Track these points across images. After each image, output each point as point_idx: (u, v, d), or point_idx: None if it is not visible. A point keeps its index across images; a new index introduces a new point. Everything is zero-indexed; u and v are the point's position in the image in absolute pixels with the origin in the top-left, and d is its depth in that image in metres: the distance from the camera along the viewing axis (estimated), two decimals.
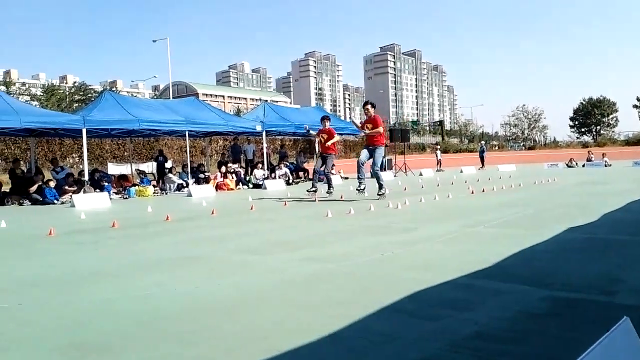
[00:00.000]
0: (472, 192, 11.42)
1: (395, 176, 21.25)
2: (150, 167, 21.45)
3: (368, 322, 2.80)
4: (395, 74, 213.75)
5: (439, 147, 32.33)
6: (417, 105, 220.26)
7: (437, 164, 27.96)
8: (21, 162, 17.00)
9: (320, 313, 3.03)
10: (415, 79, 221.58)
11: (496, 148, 72.55)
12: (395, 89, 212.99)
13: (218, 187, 16.46)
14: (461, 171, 22.80)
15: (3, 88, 50.76)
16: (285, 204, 10.23)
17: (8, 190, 14.43)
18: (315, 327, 2.74)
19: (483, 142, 35.44)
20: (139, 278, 4.14)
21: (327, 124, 12.19)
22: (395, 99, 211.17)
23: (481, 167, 27.75)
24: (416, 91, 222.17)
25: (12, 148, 32.41)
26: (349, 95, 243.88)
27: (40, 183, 13.68)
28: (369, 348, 2.44)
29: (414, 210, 8.41)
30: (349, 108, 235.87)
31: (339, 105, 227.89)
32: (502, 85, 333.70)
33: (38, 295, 3.68)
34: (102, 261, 4.98)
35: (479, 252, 4.62)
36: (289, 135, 30.12)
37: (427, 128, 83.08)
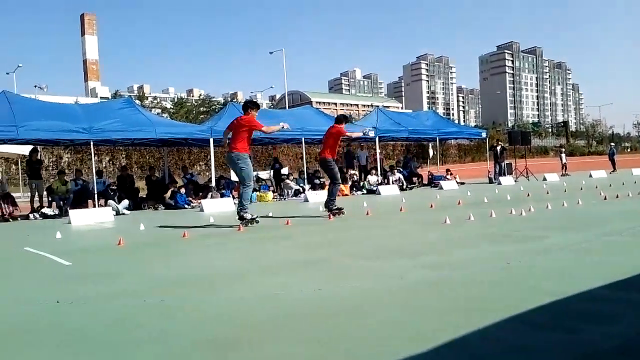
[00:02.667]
0: (605, 198, 10.56)
1: (516, 181, 20.22)
2: (268, 174, 22.45)
3: (492, 331, 2.74)
4: (513, 74, 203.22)
5: (563, 149, 30.20)
6: (537, 105, 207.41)
7: (562, 167, 26.12)
8: (156, 169, 18.64)
9: (442, 319, 3.01)
10: (536, 77, 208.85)
11: (628, 150, 66.20)
12: (514, 89, 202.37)
13: None
14: (590, 175, 21.12)
15: (138, 102, 56.03)
16: (401, 210, 10.18)
17: (145, 196, 15.88)
18: (437, 333, 2.73)
19: (613, 144, 32.56)
20: (266, 279, 4.38)
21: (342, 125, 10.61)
22: (514, 100, 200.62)
23: (613, 171, 25.49)
24: (537, 91, 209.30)
25: (147, 157, 35.63)
26: (463, 97, 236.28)
27: (173, 189, 14.87)
28: (493, 356, 2.39)
29: (540, 218, 7.97)
30: (464, 111, 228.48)
31: (453, 109, 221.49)
32: (634, 82, 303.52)
33: (178, 293, 4.03)
34: (232, 262, 5.33)
35: (616, 262, 4.29)
36: (401, 141, 29.89)
37: (550, 130, 78.01)
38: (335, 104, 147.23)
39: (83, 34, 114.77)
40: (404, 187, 18.80)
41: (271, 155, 32.27)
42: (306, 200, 14.85)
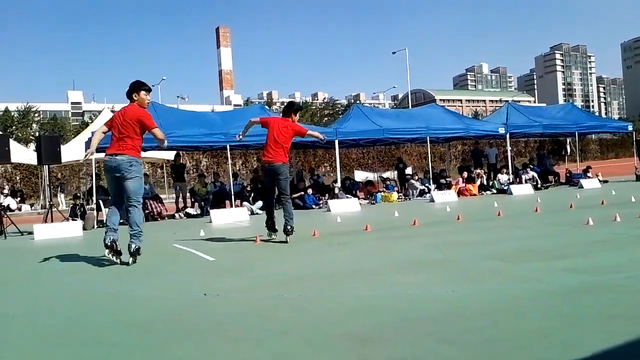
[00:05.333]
0: None
1: None
2: (392, 174, 22.41)
3: None
4: None
5: None
6: None
7: None
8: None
9: (591, 327, 2.82)
10: None
11: None
12: None
13: (460, 192, 16.32)
14: None
15: (266, 107, 59.02)
16: (536, 210, 9.62)
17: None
18: (588, 342, 2.56)
19: None
20: (395, 278, 4.41)
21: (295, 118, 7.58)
22: None
23: None
24: None
25: None
26: (604, 88, 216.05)
27: (301, 190, 15.45)
28: None
29: None
30: (605, 103, 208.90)
31: (593, 101, 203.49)
32: None
33: (312, 288, 4.20)
34: (361, 260, 5.43)
35: None
36: (535, 137, 28.09)
37: None
38: (461, 100, 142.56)
39: (218, 46, 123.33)
40: (539, 186, 17.67)
41: (395, 155, 32.16)
42: (432, 200, 14.60)
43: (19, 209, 21.98)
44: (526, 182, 17.56)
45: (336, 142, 15.57)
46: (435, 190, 16.29)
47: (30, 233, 10.25)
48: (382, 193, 16.21)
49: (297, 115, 7.66)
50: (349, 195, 15.44)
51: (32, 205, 24.71)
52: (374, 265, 5.05)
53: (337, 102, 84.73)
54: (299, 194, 15.28)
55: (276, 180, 7.30)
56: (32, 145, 37.17)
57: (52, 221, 10.94)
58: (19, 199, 23.66)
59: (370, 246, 6.52)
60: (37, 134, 48.05)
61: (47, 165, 12.76)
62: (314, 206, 14.75)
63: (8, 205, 18.42)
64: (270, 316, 3.40)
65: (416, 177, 17.96)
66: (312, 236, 7.63)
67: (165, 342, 2.98)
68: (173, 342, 2.97)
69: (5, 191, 23.91)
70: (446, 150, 25.89)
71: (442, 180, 17.78)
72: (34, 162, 14.62)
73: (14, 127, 53.23)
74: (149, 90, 6.12)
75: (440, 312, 3.27)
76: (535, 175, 18.31)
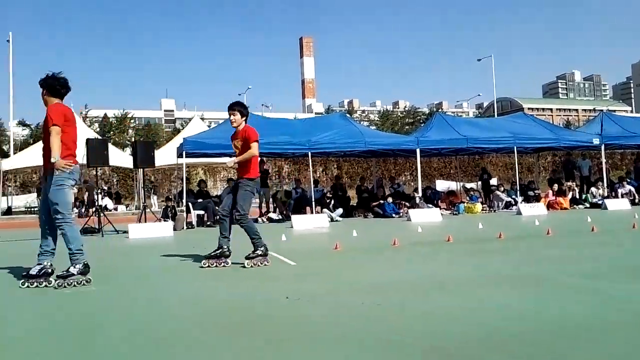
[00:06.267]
0: None
1: None
2: (476, 184, 21.75)
3: None
4: None
5: None
6: None
7: None
8: (366, 179, 19.48)
9: None
10: None
11: None
12: None
13: (550, 205, 15.53)
14: None
15: (347, 115, 59.40)
16: (634, 227, 8.96)
17: (355, 204, 16.71)
18: None
19: None
20: (478, 291, 4.27)
21: (236, 117, 6.24)
22: None
23: None
24: None
25: (356, 167, 37.42)
26: None
27: (381, 198, 15.39)
28: None
29: None
30: None
31: None
32: None
33: (392, 298, 4.15)
34: (443, 272, 5.31)
35: None
36: (632, 149, 26.17)
37: None
38: (551, 109, 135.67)
39: (302, 55, 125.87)
40: (636, 201, 16.46)
41: (479, 165, 31.19)
42: (519, 213, 14.00)
43: (115, 209, 23.55)
44: (622, 196, 16.42)
45: (417, 150, 15.38)
46: (523, 202, 15.62)
47: (125, 232, 10.94)
48: (465, 204, 15.77)
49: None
50: (430, 205, 15.17)
51: (127, 205, 26.43)
52: (456, 278, 4.92)
53: (419, 110, 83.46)
54: (377, 202, 15.22)
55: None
56: (128, 150, 39.69)
57: (145, 221, 11.62)
58: (115, 199, 25.36)
59: (453, 258, 6.36)
60: (132, 139, 51.30)
61: (142, 169, 13.58)
62: (393, 215, 14.62)
63: (105, 205, 19.78)
64: (349, 323, 3.41)
65: (502, 189, 17.31)
66: (392, 245, 7.57)
67: (248, 343, 3.07)
68: (255, 343, 3.06)
69: (102, 192, 25.70)
70: (535, 161, 24.77)
71: (530, 193, 17.04)
72: (130, 165, 15.61)
73: (111, 133, 57.09)
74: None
75: (526, 331, 3.12)
76: (633, 189, 17.07)
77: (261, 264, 5.92)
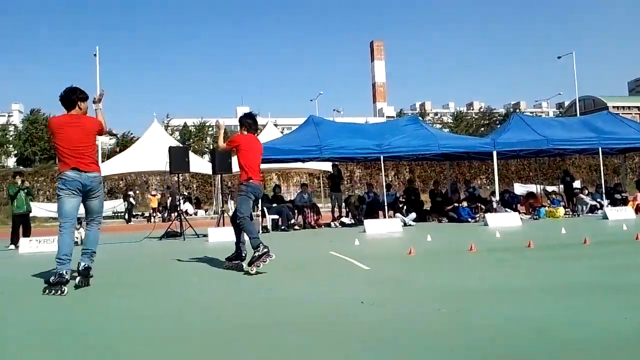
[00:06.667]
0: None
1: None
2: (557, 187, 20.76)
3: None
4: None
5: None
6: None
7: None
8: (439, 183, 19.13)
9: None
10: None
11: None
12: None
13: (638, 209, 14.56)
14: None
15: (420, 118, 58.81)
16: None
17: (428, 209, 16.44)
18: None
19: None
20: (562, 300, 4.08)
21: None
22: None
23: None
24: None
25: (429, 171, 36.82)
26: None
27: (456, 203, 15.05)
28: None
29: None
30: None
31: None
32: None
33: (471, 304, 4.05)
34: (523, 279, 5.13)
35: None
36: None
37: None
38: (638, 107, 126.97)
39: (372, 59, 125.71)
40: None
41: (560, 167, 29.75)
42: (605, 217, 13.22)
43: (195, 213, 24.57)
44: None
45: (494, 153, 14.91)
46: (609, 206, 14.74)
47: (205, 236, 11.40)
48: (547, 208, 15.09)
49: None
50: (509, 210, 14.65)
51: (206, 210, 27.47)
52: (538, 285, 4.74)
53: (495, 111, 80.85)
54: (451, 206, 14.89)
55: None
56: (207, 157, 41.21)
57: (223, 225, 12.05)
58: (195, 204, 26.48)
59: (534, 264, 6.13)
60: (211, 146, 53.31)
61: (220, 175, 14.08)
62: (469, 219, 14.25)
63: (186, 210, 20.70)
64: (425, 330, 3.38)
65: (586, 192, 16.41)
66: (469, 250, 7.39)
67: (322, 345, 3.13)
68: (329, 344, 3.11)
69: (183, 198, 26.89)
70: (621, 163, 23.28)
71: (617, 196, 16.03)
72: (209, 171, 16.24)
73: (191, 140, 59.66)
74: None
75: (617, 344, 2.96)
76: None
77: (265, 261, 5.92)
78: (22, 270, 7.14)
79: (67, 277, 5.10)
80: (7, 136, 62.48)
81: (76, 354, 3.16)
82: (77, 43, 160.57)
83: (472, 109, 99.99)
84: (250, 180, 6.35)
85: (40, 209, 23.92)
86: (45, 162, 51.38)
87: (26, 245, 10.28)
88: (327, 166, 20.49)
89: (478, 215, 14.51)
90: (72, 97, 5.51)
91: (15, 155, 62.42)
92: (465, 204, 14.88)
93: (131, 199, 25.46)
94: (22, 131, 60.67)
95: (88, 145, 5.45)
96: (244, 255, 6.46)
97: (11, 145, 61.17)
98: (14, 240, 11.22)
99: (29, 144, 58.98)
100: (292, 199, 16.20)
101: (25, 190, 11.77)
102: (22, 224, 11.52)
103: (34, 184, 27.92)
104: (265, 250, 5.93)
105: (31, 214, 12.42)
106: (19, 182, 11.75)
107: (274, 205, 14.24)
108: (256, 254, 5.93)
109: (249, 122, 6.81)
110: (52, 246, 10.07)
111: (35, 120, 60.55)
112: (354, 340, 3.20)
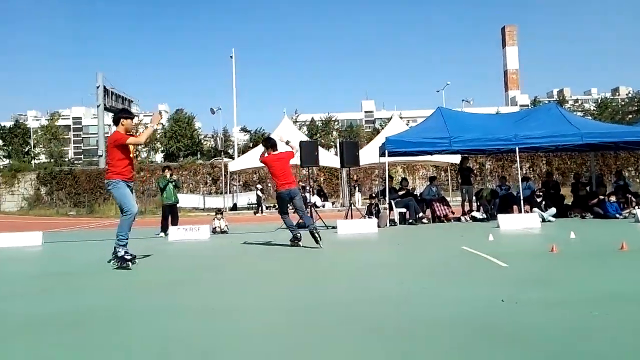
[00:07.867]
0: None
1: None
2: None
3: None
4: None
5: None
6: None
7: None
8: (581, 175, 17.63)
9: None
10: None
11: None
12: None
13: None
14: None
15: (559, 106, 54.69)
16: None
17: (570, 204, 15.23)
18: None
19: None
20: None
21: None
22: None
23: None
24: None
25: (569, 163, 34.10)
26: None
27: (601, 197, 13.78)
28: None
29: None
30: None
31: None
32: None
33: (622, 310, 3.69)
34: None
35: None
36: None
37: None
38: None
39: (504, 45, 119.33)
40: None
41: None
42: None
43: (323, 206, 25.23)
44: None
45: None
46: None
47: (334, 227, 11.65)
48: None
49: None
50: None
51: (333, 203, 28.10)
52: None
53: None
54: (596, 199, 13.65)
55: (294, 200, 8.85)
56: (333, 150, 42.16)
57: (352, 218, 12.23)
58: (322, 197, 27.21)
59: None
60: (337, 140, 54.47)
61: (348, 168, 14.30)
62: (617, 216, 12.97)
63: (315, 202, 21.30)
64: (579, 337, 3.14)
65: None
66: (620, 249, 6.72)
67: (465, 341, 3.04)
68: (472, 341, 3.02)
69: (312, 190, 27.77)
70: None
71: None
72: (335, 164, 16.55)
73: (318, 135, 61.39)
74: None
75: None
76: None
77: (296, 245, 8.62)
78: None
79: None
80: (155, 134, 69.20)
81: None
82: (214, 45, 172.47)
83: (618, 95, 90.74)
84: (279, 189, 8.80)
85: (186, 200, 26.15)
86: (191, 157, 56.10)
87: (175, 233, 11.24)
88: (454, 158, 19.85)
89: (627, 210, 13.15)
90: (116, 116, 6.89)
91: (162, 152, 68.82)
92: (613, 198, 13.57)
93: (259, 192, 26.74)
94: (167, 129, 66.58)
95: (108, 156, 6.83)
96: (299, 236, 8.75)
97: (158, 142, 67.44)
98: (164, 228, 12.31)
99: (173, 141, 64.70)
100: (418, 192, 15.93)
101: (174, 183, 12.83)
102: (171, 214, 12.61)
103: (179, 178, 30.51)
104: (298, 237, 8.70)
105: (178, 205, 13.53)
106: (168, 175, 12.86)
107: (401, 198, 14.11)
108: (294, 237, 8.76)
109: (271, 143, 9.08)
110: (197, 234, 10.98)
111: (179, 119, 66.23)
112: (491, 339, 3.06)
